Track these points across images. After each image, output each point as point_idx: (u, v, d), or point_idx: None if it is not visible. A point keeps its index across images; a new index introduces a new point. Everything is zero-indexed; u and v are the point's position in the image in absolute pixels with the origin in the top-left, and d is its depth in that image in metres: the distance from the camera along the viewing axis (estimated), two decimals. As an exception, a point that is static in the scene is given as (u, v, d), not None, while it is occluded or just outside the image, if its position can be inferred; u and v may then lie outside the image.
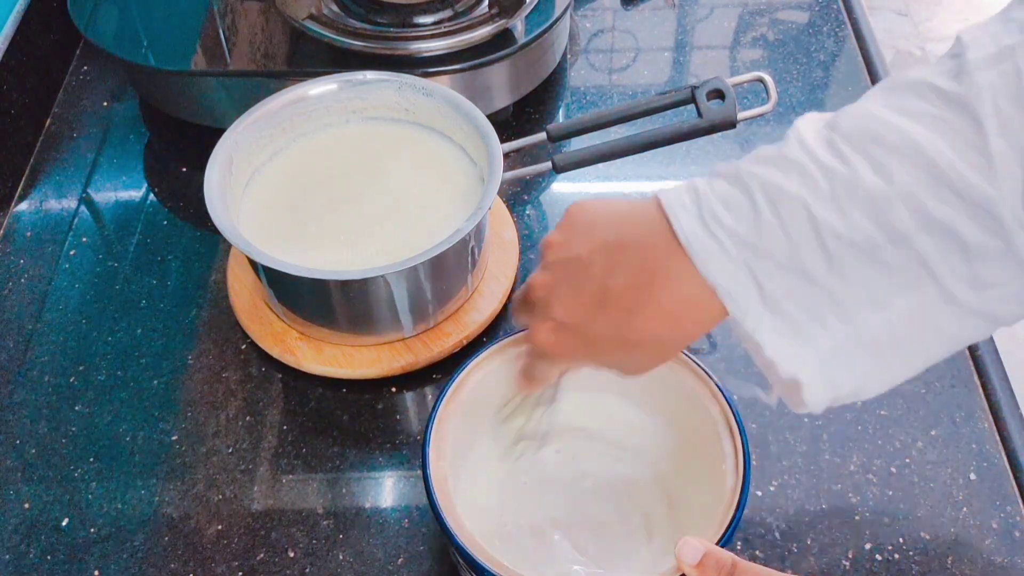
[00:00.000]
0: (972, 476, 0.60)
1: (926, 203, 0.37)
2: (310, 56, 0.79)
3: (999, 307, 0.39)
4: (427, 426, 0.52)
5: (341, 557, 0.58)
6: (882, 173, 0.38)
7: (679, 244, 0.41)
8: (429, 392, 0.66)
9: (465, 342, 0.67)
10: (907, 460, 0.61)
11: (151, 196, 0.80)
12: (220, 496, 0.61)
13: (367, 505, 0.61)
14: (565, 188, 0.79)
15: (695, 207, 0.41)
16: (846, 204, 0.39)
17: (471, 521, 0.50)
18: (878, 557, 0.57)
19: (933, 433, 0.62)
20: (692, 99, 0.64)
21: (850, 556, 0.57)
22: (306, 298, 0.64)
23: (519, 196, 0.78)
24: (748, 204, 0.40)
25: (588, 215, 0.46)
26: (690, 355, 0.54)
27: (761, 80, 0.65)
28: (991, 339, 0.67)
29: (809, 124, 0.41)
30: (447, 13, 0.80)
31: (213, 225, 0.60)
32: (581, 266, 0.44)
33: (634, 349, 0.44)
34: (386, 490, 0.62)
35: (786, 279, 0.40)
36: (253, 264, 0.64)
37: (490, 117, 0.67)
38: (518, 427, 0.58)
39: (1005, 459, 0.61)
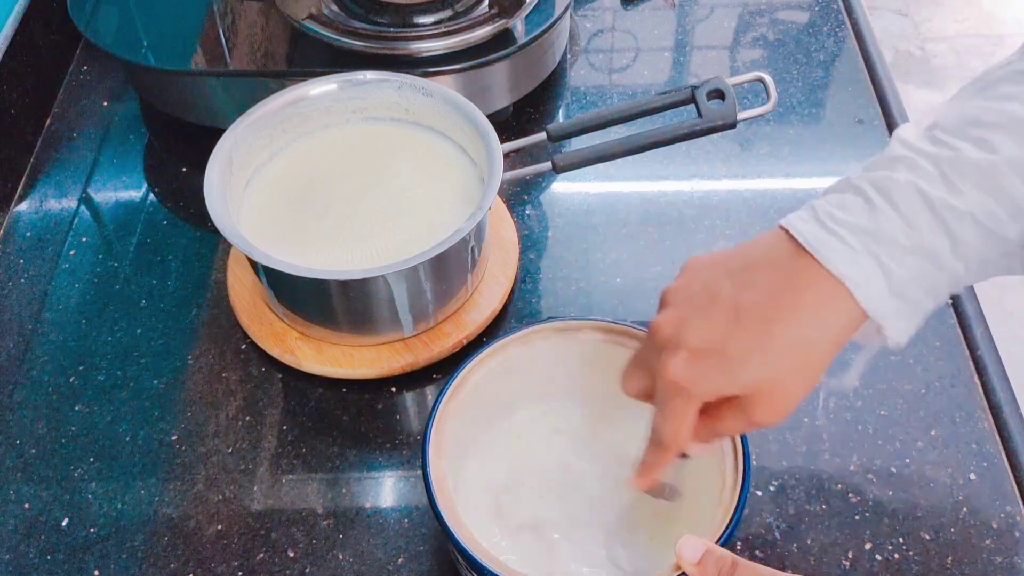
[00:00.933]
0: (972, 476, 0.60)
1: None
2: (310, 56, 0.79)
3: None
4: (427, 426, 0.52)
5: (341, 557, 0.58)
6: (986, 147, 0.40)
7: (804, 250, 0.42)
8: (429, 392, 0.66)
9: (465, 342, 0.67)
10: (907, 460, 0.61)
11: (151, 196, 0.80)
12: (220, 496, 0.61)
13: (367, 505, 0.61)
14: (565, 188, 0.79)
15: (810, 215, 0.43)
16: (957, 181, 0.40)
17: (471, 521, 0.50)
18: (878, 557, 0.57)
19: (933, 433, 0.62)
20: (692, 99, 0.64)
21: (850, 556, 0.57)
22: (306, 298, 0.64)
23: (519, 196, 0.78)
24: (860, 200, 0.42)
25: (704, 258, 0.46)
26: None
27: (761, 80, 0.65)
28: (991, 339, 0.67)
29: (907, 128, 0.43)
30: (447, 13, 0.80)
31: (213, 225, 0.60)
32: (709, 293, 0.44)
33: (779, 359, 0.42)
34: (386, 490, 0.62)
35: (915, 262, 0.41)
36: (253, 264, 0.64)
37: (490, 117, 0.67)
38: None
39: (1005, 459, 0.61)
